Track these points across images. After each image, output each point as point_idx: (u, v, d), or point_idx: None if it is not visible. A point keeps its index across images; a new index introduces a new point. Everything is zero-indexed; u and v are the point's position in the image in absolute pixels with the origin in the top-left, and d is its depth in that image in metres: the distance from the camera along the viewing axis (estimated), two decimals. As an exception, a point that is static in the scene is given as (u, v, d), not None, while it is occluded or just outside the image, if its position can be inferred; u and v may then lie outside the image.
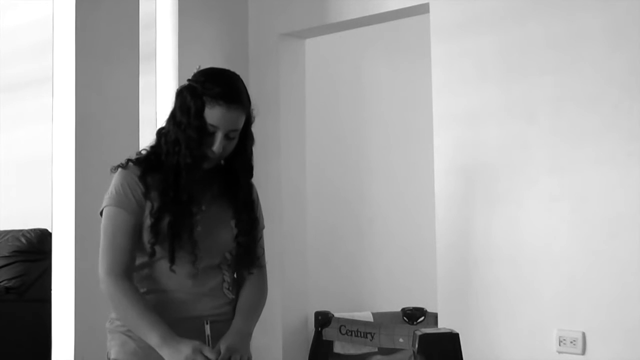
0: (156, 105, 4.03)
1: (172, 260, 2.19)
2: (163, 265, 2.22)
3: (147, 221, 2.21)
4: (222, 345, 2.16)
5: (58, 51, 3.72)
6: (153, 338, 2.14)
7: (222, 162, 2.32)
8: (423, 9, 3.94)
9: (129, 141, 3.64)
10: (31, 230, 4.72)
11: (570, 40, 3.45)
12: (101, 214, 2.26)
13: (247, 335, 2.26)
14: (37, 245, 4.63)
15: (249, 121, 2.28)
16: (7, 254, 4.65)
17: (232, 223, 2.31)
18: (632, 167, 3.28)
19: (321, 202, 4.92)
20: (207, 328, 2.20)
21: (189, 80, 2.26)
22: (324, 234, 4.96)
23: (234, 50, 4.48)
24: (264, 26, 4.52)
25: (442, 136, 3.83)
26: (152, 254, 2.21)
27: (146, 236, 2.21)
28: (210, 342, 2.17)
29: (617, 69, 3.33)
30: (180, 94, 2.24)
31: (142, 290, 2.24)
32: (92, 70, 3.69)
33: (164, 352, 2.12)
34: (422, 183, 4.77)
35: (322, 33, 4.52)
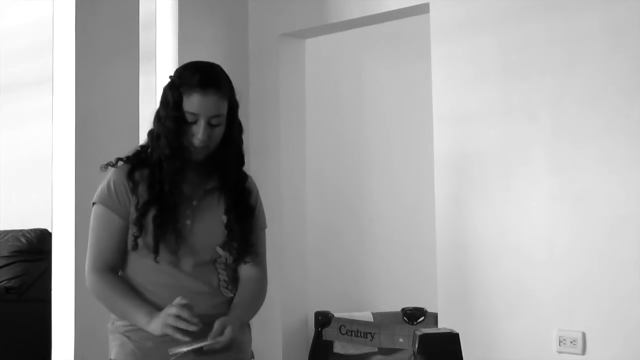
0: (156, 105, 4.02)
1: (155, 251, 2.20)
2: (162, 264, 2.22)
3: (133, 215, 2.22)
4: (217, 322, 2.15)
5: (58, 51, 3.72)
6: (140, 318, 2.16)
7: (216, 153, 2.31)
8: (423, 9, 3.94)
9: (129, 141, 3.63)
10: (31, 230, 4.72)
11: (570, 40, 3.45)
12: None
13: (241, 321, 2.24)
14: (37, 245, 4.63)
15: (233, 109, 2.28)
16: (7, 254, 4.65)
17: (224, 218, 2.30)
18: (632, 167, 3.28)
19: (321, 202, 4.92)
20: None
21: (169, 76, 2.28)
22: (324, 234, 4.96)
23: (234, 50, 4.48)
24: (264, 26, 4.52)
25: (442, 136, 3.83)
26: (135, 246, 2.22)
27: (131, 229, 2.23)
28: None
29: (617, 69, 3.33)
30: (163, 91, 2.28)
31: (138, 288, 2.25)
32: (92, 70, 3.69)
33: (151, 328, 2.13)
34: (422, 183, 4.77)
35: (322, 33, 4.52)
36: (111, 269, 2.24)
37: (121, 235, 2.24)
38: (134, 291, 2.22)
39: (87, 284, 2.25)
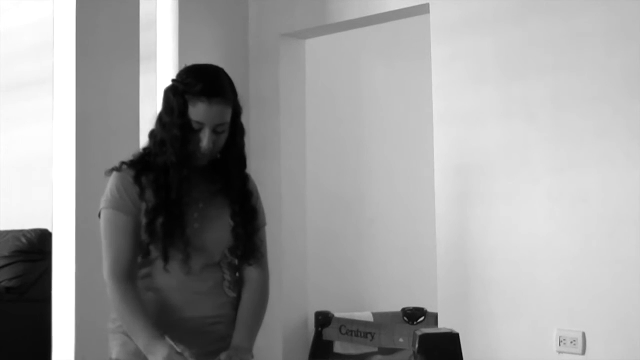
0: (156, 105, 4.00)
1: (165, 259, 2.21)
2: (161, 264, 2.23)
3: (143, 221, 2.22)
4: (222, 356, 2.16)
5: (58, 51, 3.72)
6: (140, 340, 2.15)
7: (219, 155, 2.31)
8: (423, 9, 3.95)
9: (129, 141, 3.63)
10: (31, 230, 4.71)
11: (570, 41, 3.45)
12: (99, 216, 2.27)
13: (246, 351, 2.25)
14: (37, 245, 4.62)
15: (236, 113, 2.28)
16: (7, 254, 4.65)
17: (230, 222, 2.30)
18: (632, 167, 3.28)
19: (321, 202, 4.92)
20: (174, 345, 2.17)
21: (172, 79, 2.26)
22: (324, 234, 4.96)
23: (234, 51, 4.49)
24: (264, 26, 4.52)
25: (441, 136, 3.83)
26: (147, 253, 2.22)
27: (142, 235, 2.22)
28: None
29: (617, 69, 3.33)
30: (165, 94, 2.26)
31: (143, 289, 2.24)
32: (92, 70, 3.69)
33: (148, 355, 2.14)
34: (422, 183, 4.77)
35: (322, 33, 4.52)
36: (130, 274, 2.22)
37: (136, 236, 2.23)
38: (144, 309, 2.19)
39: (107, 289, 2.22)
